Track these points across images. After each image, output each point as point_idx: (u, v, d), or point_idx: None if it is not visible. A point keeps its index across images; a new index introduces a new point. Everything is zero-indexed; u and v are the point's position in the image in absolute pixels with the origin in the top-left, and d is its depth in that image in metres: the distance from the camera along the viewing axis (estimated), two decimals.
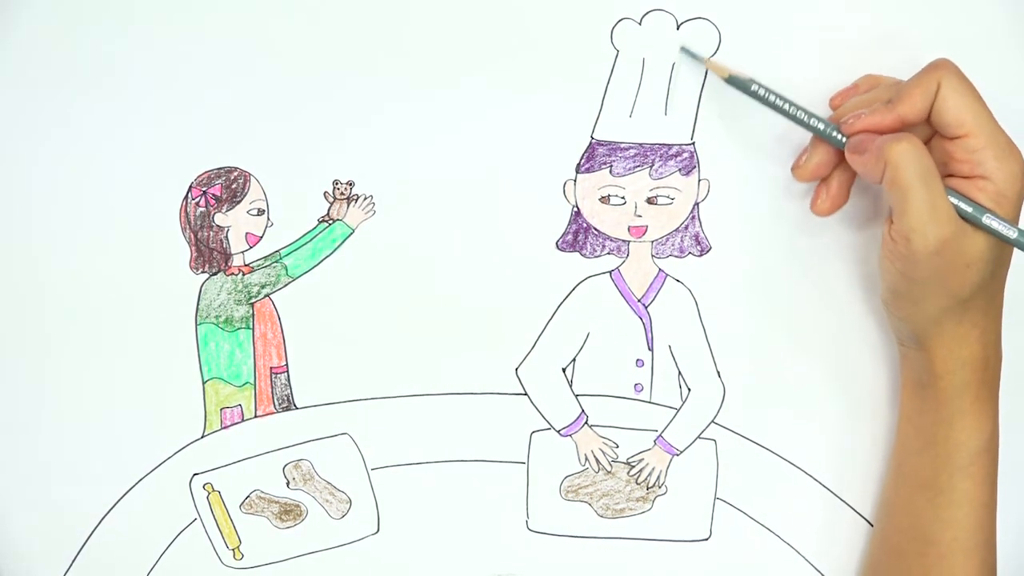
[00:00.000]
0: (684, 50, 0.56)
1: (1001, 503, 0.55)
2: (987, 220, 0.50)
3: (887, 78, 0.55)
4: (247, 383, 0.60)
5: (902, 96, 0.51)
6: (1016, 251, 0.52)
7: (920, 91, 0.51)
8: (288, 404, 0.61)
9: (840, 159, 0.54)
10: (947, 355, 0.53)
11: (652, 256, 0.60)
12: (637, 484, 0.61)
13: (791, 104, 0.54)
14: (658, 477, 0.61)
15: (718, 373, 0.60)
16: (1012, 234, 0.50)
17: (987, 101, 0.51)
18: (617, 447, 0.61)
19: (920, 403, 0.55)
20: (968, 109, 0.50)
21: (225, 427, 0.61)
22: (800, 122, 0.54)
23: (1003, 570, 0.57)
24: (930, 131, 0.52)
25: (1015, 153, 0.51)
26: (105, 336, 0.60)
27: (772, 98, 0.54)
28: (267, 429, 0.61)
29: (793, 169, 0.56)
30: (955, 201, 0.50)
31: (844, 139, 0.53)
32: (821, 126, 0.54)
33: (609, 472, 0.61)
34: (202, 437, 0.61)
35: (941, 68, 0.51)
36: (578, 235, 0.59)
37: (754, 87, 0.54)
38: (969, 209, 0.50)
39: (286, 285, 0.60)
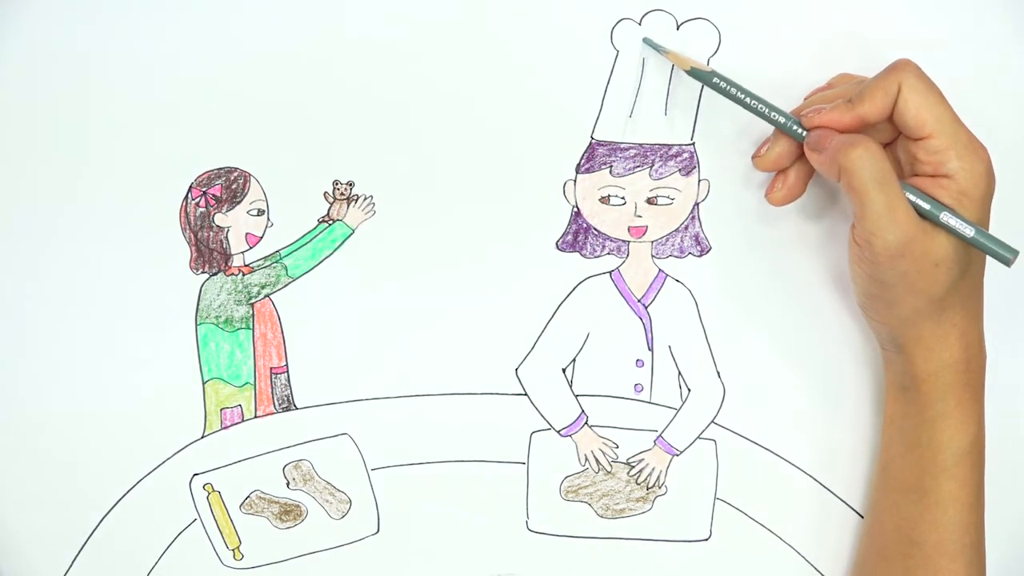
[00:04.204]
0: (647, 41, 0.56)
1: (993, 503, 0.55)
2: (944, 218, 0.50)
3: (860, 77, 0.55)
4: (247, 383, 0.60)
5: (863, 96, 0.51)
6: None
7: (881, 92, 0.50)
8: (288, 404, 0.61)
9: (801, 153, 0.54)
10: (927, 357, 0.53)
11: (652, 256, 0.60)
12: (637, 484, 0.61)
13: (752, 97, 0.54)
14: (658, 477, 0.61)
15: (718, 373, 0.60)
16: (969, 232, 0.50)
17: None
18: (617, 447, 0.61)
19: (903, 406, 0.55)
20: (929, 110, 0.50)
21: (225, 427, 0.61)
22: (761, 115, 0.54)
23: (995, 571, 0.56)
24: (894, 130, 0.52)
25: (979, 152, 0.50)
26: (105, 336, 0.60)
27: (733, 91, 0.54)
28: (267, 429, 0.61)
29: (753, 158, 0.56)
30: (913, 199, 0.50)
31: (804, 133, 0.53)
32: (782, 119, 0.54)
33: (609, 472, 0.61)
34: (202, 437, 0.61)
35: (902, 69, 0.50)
36: (578, 235, 0.59)
37: (715, 79, 0.54)
38: (927, 207, 0.50)
39: (286, 285, 0.60)
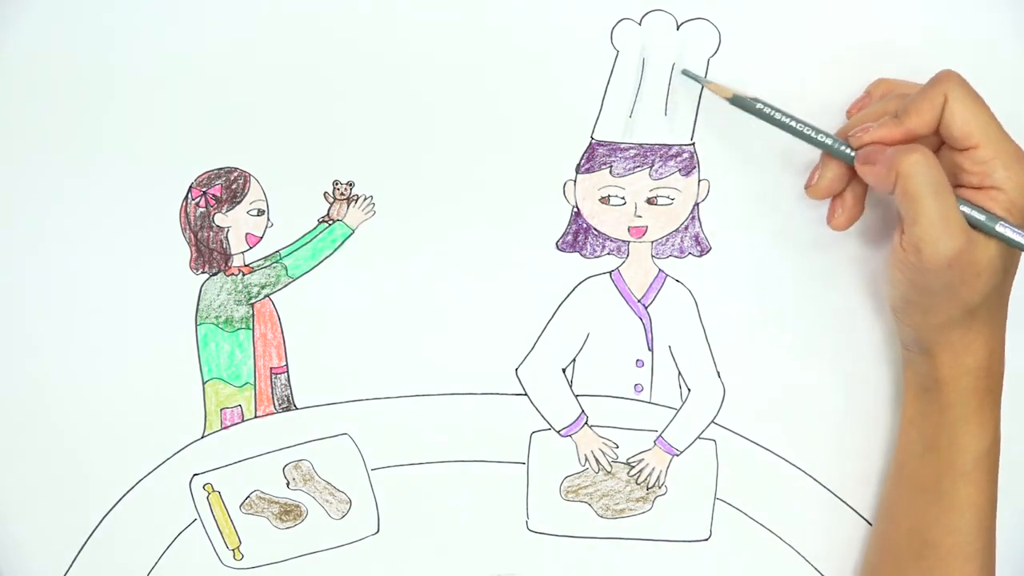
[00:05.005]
0: (685, 72, 0.57)
1: (1001, 505, 0.55)
2: (1000, 228, 0.50)
3: (899, 83, 0.55)
4: (247, 383, 0.60)
5: (909, 110, 0.51)
6: None
7: (928, 104, 0.51)
8: (288, 404, 0.61)
9: (852, 173, 0.54)
10: (952, 362, 0.53)
11: (652, 256, 0.60)
12: (637, 484, 0.61)
13: (797, 121, 0.54)
14: (658, 477, 0.61)
15: (718, 373, 0.60)
16: None
17: (994, 104, 0.51)
18: (617, 447, 0.61)
19: (924, 407, 0.55)
20: (976, 121, 0.50)
21: (225, 427, 0.61)
22: (808, 139, 0.54)
23: (1002, 572, 0.56)
24: (938, 141, 0.52)
25: None
26: (105, 336, 0.60)
27: (778, 116, 0.54)
28: (267, 429, 0.61)
29: (806, 188, 0.56)
30: (967, 210, 0.50)
31: (853, 153, 0.53)
32: (829, 141, 0.53)
33: (609, 472, 0.61)
34: (202, 437, 0.61)
35: (948, 81, 0.51)
36: (578, 235, 0.59)
37: (759, 106, 0.54)
38: (982, 218, 0.50)
39: (286, 285, 0.60)
